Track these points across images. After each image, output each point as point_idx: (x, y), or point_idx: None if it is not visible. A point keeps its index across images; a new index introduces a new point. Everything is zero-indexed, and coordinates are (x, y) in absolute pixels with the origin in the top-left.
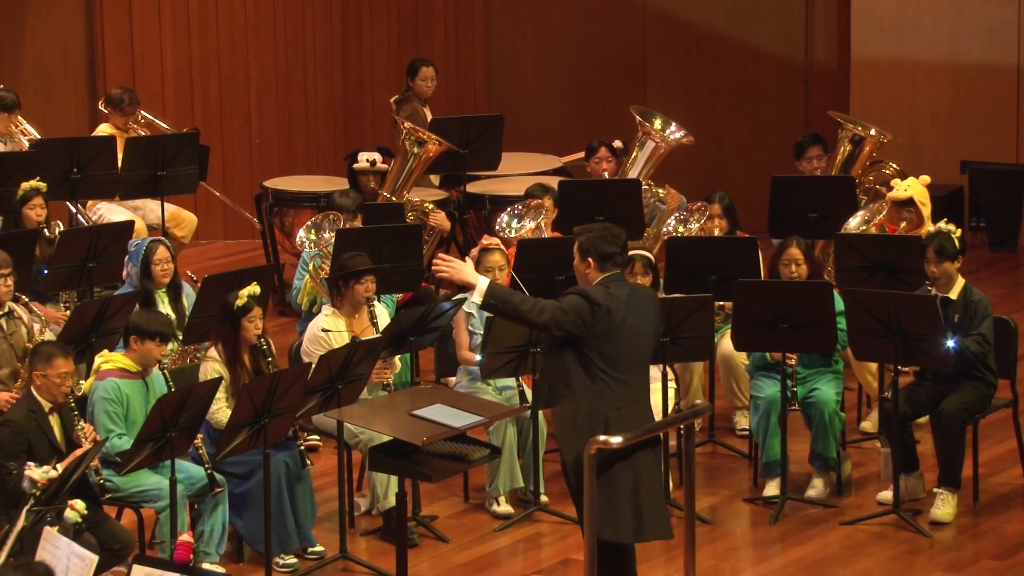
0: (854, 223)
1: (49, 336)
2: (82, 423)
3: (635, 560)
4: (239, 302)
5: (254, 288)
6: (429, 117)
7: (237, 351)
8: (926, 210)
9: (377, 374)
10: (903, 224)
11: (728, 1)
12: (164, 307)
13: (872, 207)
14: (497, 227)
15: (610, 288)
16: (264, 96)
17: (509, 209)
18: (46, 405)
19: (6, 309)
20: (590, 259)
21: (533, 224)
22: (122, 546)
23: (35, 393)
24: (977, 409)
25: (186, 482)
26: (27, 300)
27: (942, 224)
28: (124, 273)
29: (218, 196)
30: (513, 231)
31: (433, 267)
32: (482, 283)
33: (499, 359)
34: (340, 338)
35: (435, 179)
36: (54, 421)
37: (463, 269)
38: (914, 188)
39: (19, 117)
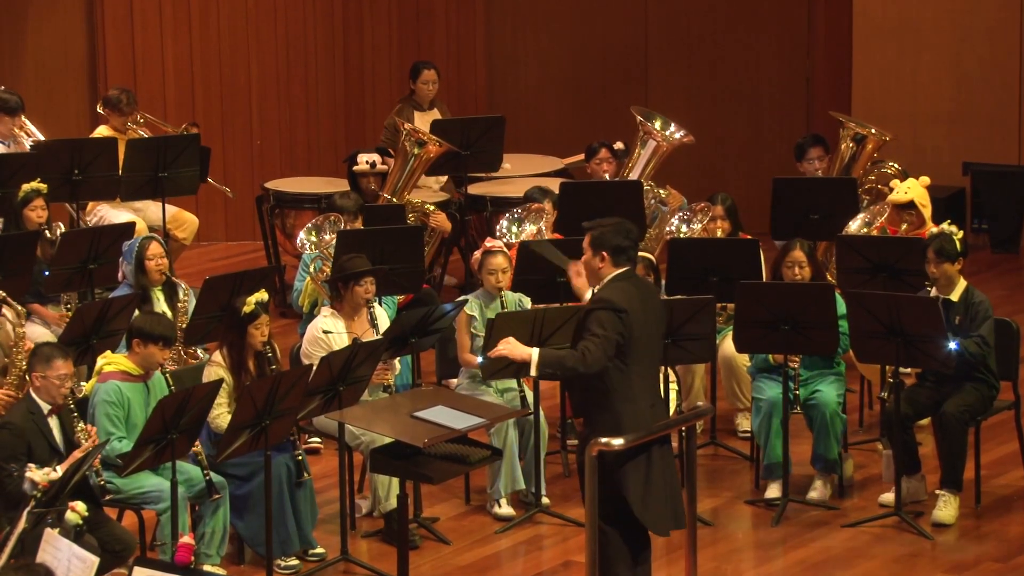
0: (854, 226)
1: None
2: (82, 424)
3: (650, 553)
4: (246, 309)
5: (262, 295)
6: (431, 119)
7: (242, 357)
8: (927, 211)
9: (377, 375)
10: (904, 226)
11: (729, 1)
12: (160, 305)
13: (872, 209)
14: (498, 233)
15: (624, 286)
16: (265, 97)
17: (508, 214)
18: (45, 407)
19: None
20: (604, 253)
21: (534, 228)
22: (123, 548)
23: (34, 395)
24: (979, 411)
25: (186, 484)
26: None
27: (945, 225)
28: (120, 273)
29: (219, 188)
30: (514, 236)
31: (491, 353)
32: (534, 355)
33: (500, 361)
34: (340, 340)
35: (438, 181)
36: (53, 423)
37: (515, 349)
38: (914, 190)
39: (24, 119)
